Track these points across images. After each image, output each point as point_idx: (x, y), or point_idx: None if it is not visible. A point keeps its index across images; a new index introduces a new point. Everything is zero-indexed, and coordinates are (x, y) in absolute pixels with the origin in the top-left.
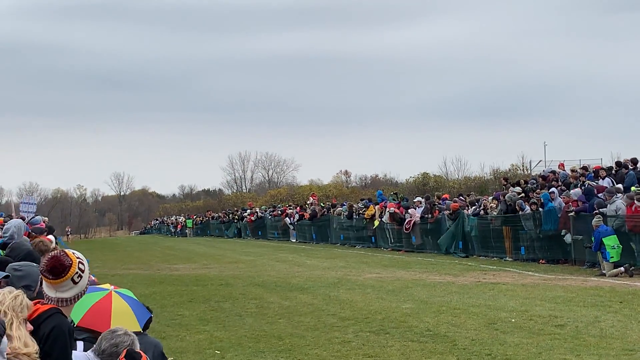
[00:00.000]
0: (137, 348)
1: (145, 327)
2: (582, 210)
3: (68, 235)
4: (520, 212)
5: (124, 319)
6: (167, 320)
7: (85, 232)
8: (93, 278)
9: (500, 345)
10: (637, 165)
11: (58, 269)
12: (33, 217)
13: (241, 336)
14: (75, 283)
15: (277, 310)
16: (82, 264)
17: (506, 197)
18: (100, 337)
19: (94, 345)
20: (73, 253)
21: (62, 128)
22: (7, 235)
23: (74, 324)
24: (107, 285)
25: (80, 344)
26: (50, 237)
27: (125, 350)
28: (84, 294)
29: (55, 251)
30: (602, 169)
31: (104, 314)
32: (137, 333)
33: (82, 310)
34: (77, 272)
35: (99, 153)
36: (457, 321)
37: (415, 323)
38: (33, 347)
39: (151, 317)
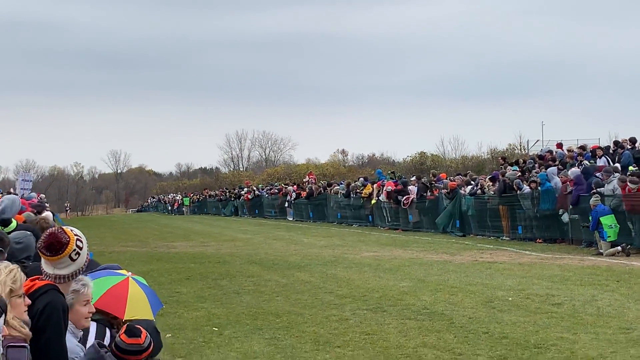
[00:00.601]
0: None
1: None
2: (577, 192)
3: (67, 211)
4: (518, 192)
5: (138, 306)
6: (165, 297)
7: (82, 210)
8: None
9: (497, 323)
10: (635, 145)
11: (55, 246)
12: (29, 194)
13: (239, 313)
14: (72, 260)
15: (274, 288)
16: (81, 241)
17: (506, 175)
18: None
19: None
20: (71, 230)
21: (59, 106)
22: None
23: None
24: (124, 271)
25: (93, 325)
26: (48, 214)
27: (125, 326)
28: (82, 271)
29: (53, 228)
30: (599, 148)
31: (120, 298)
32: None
33: (99, 292)
34: (74, 250)
35: (96, 131)
36: (454, 299)
37: (413, 301)
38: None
39: (162, 307)
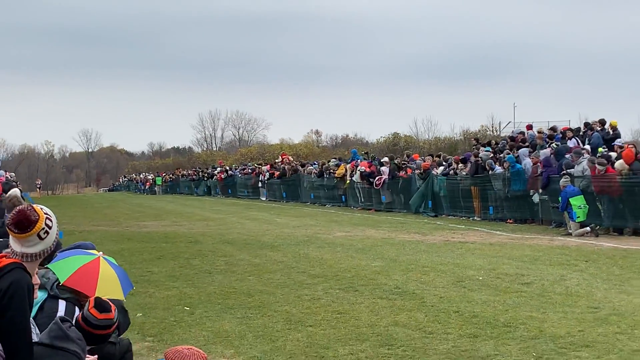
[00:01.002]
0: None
1: None
2: (547, 173)
3: (39, 188)
4: (490, 172)
5: (109, 286)
6: (136, 277)
7: (53, 189)
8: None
9: (467, 302)
10: (605, 127)
11: (24, 223)
12: None
13: (210, 293)
14: (41, 239)
15: (246, 268)
16: (50, 220)
17: (479, 156)
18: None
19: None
20: (41, 209)
21: (29, 84)
22: None
23: (60, 283)
24: (95, 251)
25: (62, 303)
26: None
27: (93, 300)
28: (51, 250)
29: (24, 206)
30: (570, 129)
31: (91, 277)
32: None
33: (70, 270)
34: (43, 228)
35: (67, 109)
36: (426, 279)
37: (384, 281)
38: None
39: (132, 289)
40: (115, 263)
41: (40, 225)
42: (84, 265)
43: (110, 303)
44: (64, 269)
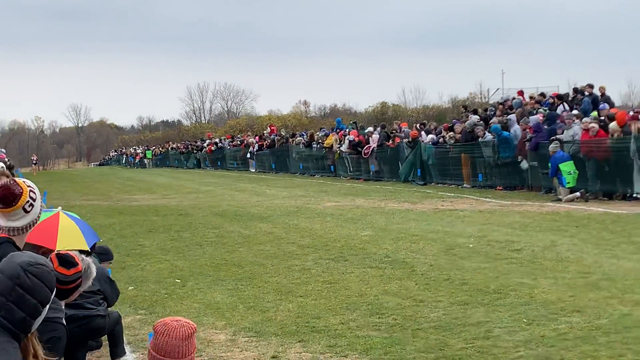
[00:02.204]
0: (93, 271)
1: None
2: (536, 140)
3: (35, 164)
4: (480, 139)
5: (70, 237)
6: (127, 250)
7: (44, 164)
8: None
9: (458, 270)
10: (593, 91)
11: (8, 198)
12: None
13: (201, 265)
14: (26, 212)
15: (236, 239)
16: (34, 192)
17: (466, 124)
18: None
19: None
20: (24, 182)
21: (18, 60)
22: None
23: None
24: (55, 208)
25: None
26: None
27: (55, 257)
28: (36, 222)
29: (5, 180)
30: (558, 95)
31: (51, 230)
32: (85, 252)
33: None
34: (28, 201)
35: (56, 84)
36: (416, 247)
37: (374, 250)
38: None
39: (99, 241)
40: (77, 217)
41: (24, 199)
42: (43, 221)
43: (73, 255)
44: None
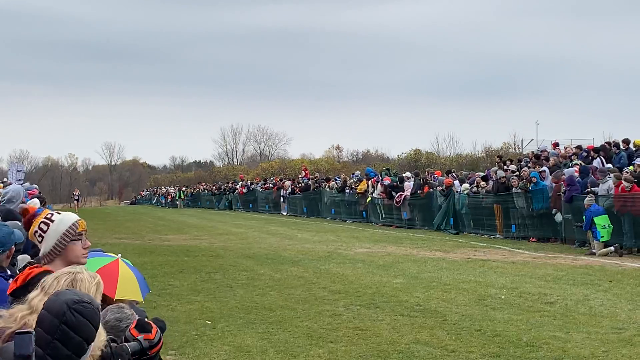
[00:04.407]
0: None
1: None
2: (570, 193)
3: (76, 200)
4: (513, 190)
5: (129, 287)
6: (158, 290)
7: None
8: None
9: (490, 321)
10: (629, 146)
11: (28, 222)
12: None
13: (232, 307)
14: (39, 242)
15: (267, 282)
16: (46, 224)
17: (497, 173)
18: (106, 308)
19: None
20: (48, 213)
21: (54, 96)
22: (4, 199)
23: None
24: (113, 254)
25: None
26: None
27: (135, 321)
28: (53, 256)
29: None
30: (595, 148)
31: (112, 277)
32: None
33: (91, 271)
34: (36, 231)
35: (90, 122)
36: (447, 297)
37: (406, 298)
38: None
39: (149, 292)
40: (132, 265)
41: (34, 227)
42: (104, 266)
43: (152, 324)
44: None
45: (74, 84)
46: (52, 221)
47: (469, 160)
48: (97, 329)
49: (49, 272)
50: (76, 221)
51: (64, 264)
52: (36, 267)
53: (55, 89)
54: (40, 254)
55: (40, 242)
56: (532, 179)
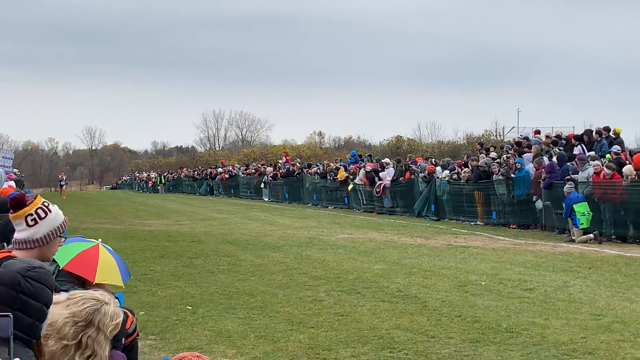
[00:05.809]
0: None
1: None
2: (550, 180)
3: (63, 185)
4: (494, 177)
5: (108, 271)
6: (139, 275)
7: (56, 186)
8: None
9: (470, 307)
10: (610, 134)
11: (18, 201)
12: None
13: (213, 292)
14: (28, 225)
15: (248, 268)
16: (44, 211)
17: (480, 162)
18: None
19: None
20: (44, 201)
21: (34, 81)
22: None
23: (60, 268)
24: (93, 239)
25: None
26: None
27: None
28: (38, 244)
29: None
30: (576, 136)
31: (91, 261)
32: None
33: (69, 255)
34: (31, 214)
35: (71, 106)
36: (428, 283)
37: (387, 284)
38: None
39: (130, 278)
40: (113, 251)
41: (29, 209)
42: (83, 250)
43: (128, 313)
44: (63, 254)
45: (54, 68)
46: (50, 211)
47: (450, 147)
48: (52, 291)
49: (11, 257)
50: (65, 219)
51: (39, 256)
52: (7, 251)
53: (35, 72)
54: (24, 237)
55: (30, 227)
56: (517, 164)
